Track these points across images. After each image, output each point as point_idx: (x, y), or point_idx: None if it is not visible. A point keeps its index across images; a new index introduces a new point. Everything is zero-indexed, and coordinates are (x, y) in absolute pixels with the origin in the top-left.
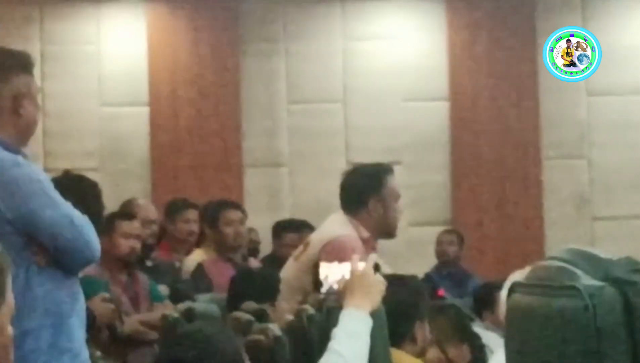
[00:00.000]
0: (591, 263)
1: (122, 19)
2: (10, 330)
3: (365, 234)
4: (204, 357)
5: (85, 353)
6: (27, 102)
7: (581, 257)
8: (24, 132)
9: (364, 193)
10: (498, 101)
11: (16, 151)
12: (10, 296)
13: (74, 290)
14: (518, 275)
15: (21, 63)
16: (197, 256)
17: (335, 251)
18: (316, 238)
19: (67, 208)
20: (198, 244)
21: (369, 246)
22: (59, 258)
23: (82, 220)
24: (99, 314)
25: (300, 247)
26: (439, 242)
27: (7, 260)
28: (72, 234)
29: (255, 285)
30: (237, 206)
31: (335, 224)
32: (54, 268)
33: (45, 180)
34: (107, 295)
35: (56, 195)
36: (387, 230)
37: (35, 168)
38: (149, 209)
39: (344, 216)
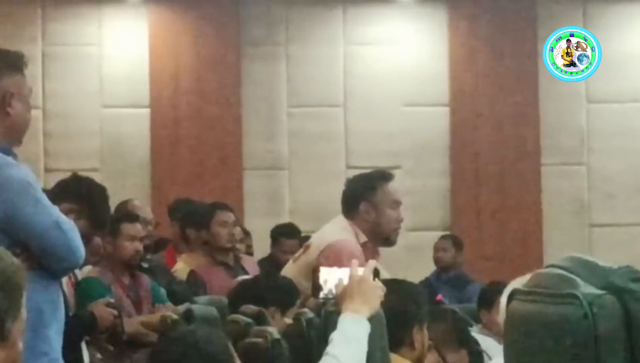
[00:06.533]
0: (591, 271)
1: (123, 20)
2: (20, 346)
3: (363, 238)
4: (192, 359)
5: (61, 361)
6: (16, 102)
7: (581, 265)
8: (14, 132)
9: (356, 197)
10: (498, 107)
11: (6, 151)
12: (24, 312)
13: (55, 296)
14: (517, 282)
15: (11, 62)
16: (183, 263)
17: (333, 256)
18: (316, 242)
19: (54, 211)
20: (177, 247)
21: (368, 251)
22: (44, 262)
23: (68, 224)
24: (101, 318)
25: (301, 250)
26: (435, 249)
27: (23, 276)
28: (57, 238)
29: (280, 290)
30: (229, 208)
31: (336, 228)
32: (37, 272)
33: (34, 182)
34: (111, 300)
35: (43, 198)
36: (382, 236)
37: (24, 169)
38: (146, 211)
39: (344, 221)
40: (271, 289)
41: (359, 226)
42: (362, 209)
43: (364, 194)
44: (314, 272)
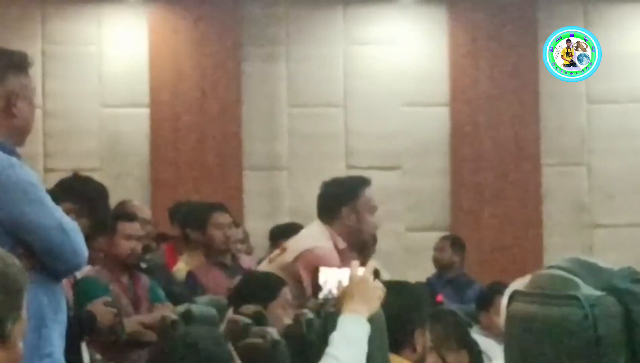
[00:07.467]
0: (592, 272)
1: (123, 19)
2: (20, 346)
3: (342, 244)
4: (191, 359)
5: (63, 361)
6: (21, 102)
7: (582, 266)
8: (19, 133)
9: (338, 202)
10: (498, 107)
11: (10, 152)
12: (24, 313)
13: (57, 297)
14: (518, 284)
15: (16, 63)
16: (184, 263)
17: (309, 262)
18: (293, 246)
19: (58, 213)
20: (176, 246)
21: (345, 257)
22: (46, 263)
23: (71, 226)
24: (100, 318)
25: (277, 251)
26: (433, 249)
27: (24, 277)
28: (60, 239)
29: (257, 285)
30: (225, 209)
31: (313, 233)
32: (40, 273)
33: (38, 183)
34: (109, 299)
35: (47, 199)
36: (361, 242)
37: (28, 171)
38: (144, 211)
39: (322, 225)
40: (249, 285)
41: (338, 232)
42: (343, 214)
43: (346, 200)
44: (314, 272)
